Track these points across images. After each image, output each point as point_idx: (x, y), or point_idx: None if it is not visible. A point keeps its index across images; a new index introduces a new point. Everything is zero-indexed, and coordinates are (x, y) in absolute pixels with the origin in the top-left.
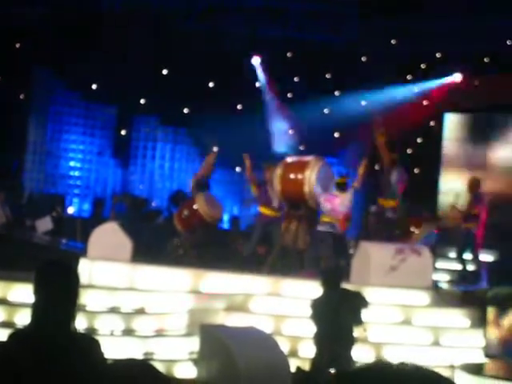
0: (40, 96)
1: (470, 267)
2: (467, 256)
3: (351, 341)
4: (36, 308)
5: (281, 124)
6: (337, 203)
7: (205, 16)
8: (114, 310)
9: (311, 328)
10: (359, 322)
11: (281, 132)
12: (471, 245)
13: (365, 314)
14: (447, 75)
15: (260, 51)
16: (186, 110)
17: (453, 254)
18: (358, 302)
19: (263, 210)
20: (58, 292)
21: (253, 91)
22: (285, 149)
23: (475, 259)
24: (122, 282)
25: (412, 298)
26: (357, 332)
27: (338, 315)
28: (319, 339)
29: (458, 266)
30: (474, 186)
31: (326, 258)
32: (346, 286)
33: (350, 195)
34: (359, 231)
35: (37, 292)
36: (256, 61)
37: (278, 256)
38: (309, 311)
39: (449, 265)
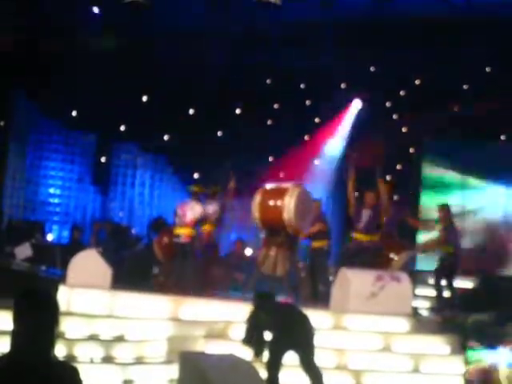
0: (20, 124)
1: (446, 293)
2: (444, 282)
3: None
4: (15, 336)
5: None
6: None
7: (184, 42)
8: (93, 338)
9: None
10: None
11: None
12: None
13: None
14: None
15: (240, 78)
16: (165, 137)
17: (432, 281)
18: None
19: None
20: (37, 320)
21: (233, 119)
22: None
23: (450, 286)
24: (102, 310)
25: (392, 325)
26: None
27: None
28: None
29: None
30: (445, 213)
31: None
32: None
33: None
34: (338, 258)
35: (16, 320)
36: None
37: (255, 283)
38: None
39: (428, 291)
